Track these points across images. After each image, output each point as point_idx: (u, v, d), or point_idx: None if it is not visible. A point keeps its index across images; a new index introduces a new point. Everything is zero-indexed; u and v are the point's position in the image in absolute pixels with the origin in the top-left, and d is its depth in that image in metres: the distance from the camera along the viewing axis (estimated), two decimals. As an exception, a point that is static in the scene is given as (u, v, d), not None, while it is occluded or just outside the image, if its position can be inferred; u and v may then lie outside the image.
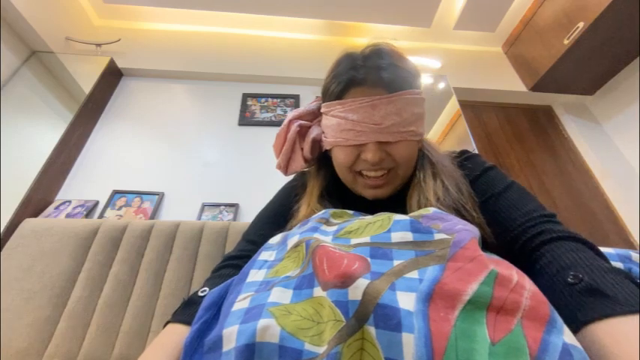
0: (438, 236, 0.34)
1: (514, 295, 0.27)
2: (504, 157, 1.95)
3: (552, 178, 1.91)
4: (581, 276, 0.33)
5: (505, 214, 0.46)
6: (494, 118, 2.10)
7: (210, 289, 0.43)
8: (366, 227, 0.39)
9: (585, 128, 2.02)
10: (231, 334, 0.28)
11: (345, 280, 0.29)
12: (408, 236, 0.35)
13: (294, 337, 0.27)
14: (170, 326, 0.40)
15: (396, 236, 0.35)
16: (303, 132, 0.57)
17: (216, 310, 0.35)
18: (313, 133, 0.56)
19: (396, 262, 0.32)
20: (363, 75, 0.47)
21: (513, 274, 0.30)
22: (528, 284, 0.29)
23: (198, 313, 0.35)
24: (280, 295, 0.31)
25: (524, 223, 0.43)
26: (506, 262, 0.33)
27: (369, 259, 0.33)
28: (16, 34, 1.51)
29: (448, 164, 0.54)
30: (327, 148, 0.54)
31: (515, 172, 1.89)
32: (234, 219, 1.37)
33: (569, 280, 0.34)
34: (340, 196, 0.56)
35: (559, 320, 0.27)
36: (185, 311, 0.41)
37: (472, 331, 0.25)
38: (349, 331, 0.26)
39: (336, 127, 0.49)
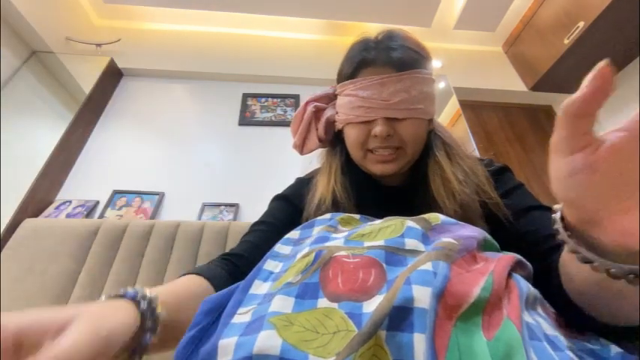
0: (446, 240, 0.35)
1: (502, 296, 0.29)
2: (504, 156, 1.95)
3: (552, 178, 1.91)
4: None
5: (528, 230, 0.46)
6: (494, 118, 2.10)
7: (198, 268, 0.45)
8: (379, 231, 0.38)
9: (585, 128, 2.02)
10: (228, 346, 0.27)
11: (360, 297, 0.29)
12: (420, 246, 0.35)
13: (297, 348, 0.26)
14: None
15: (410, 243, 0.35)
16: (318, 113, 0.61)
17: (217, 316, 0.33)
18: (327, 114, 0.59)
19: (410, 265, 0.32)
20: (374, 55, 0.51)
21: (504, 275, 0.31)
22: (511, 282, 0.31)
23: (196, 319, 0.33)
24: (281, 304, 0.30)
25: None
26: (502, 261, 0.33)
27: (384, 264, 0.32)
28: (17, 34, 1.51)
29: (460, 145, 0.57)
30: (340, 126, 0.56)
31: (515, 172, 1.88)
32: (235, 219, 1.37)
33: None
34: (357, 177, 0.57)
35: (522, 299, 0.29)
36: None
37: (470, 331, 0.26)
38: (361, 339, 0.25)
39: (348, 105, 0.52)
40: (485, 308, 0.28)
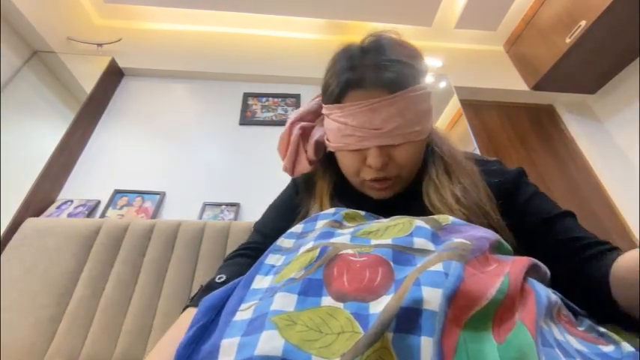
0: (457, 240, 0.34)
1: (515, 298, 0.28)
2: (506, 156, 1.94)
3: (554, 177, 1.90)
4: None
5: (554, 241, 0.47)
6: (495, 117, 2.09)
7: (226, 275, 0.44)
8: (386, 229, 0.37)
9: (587, 127, 2.02)
10: (230, 346, 0.27)
11: (367, 297, 0.28)
12: (430, 245, 0.34)
13: (300, 349, 0.25)
14: (189, 309, 0.41)
15: (419, 242, 0.34)
16: (305, 134, 0.57)
17: (215, 314, 0.33)
18: (316, 135, 0.55)
19: (419, 265, 0.31)
20: (361, 75, 0.45)
21: (520, 278, 0.30)
22: (525, 285, 0.30)
23: (195, 317, 0.33)
24: (284, 302, 0.29)
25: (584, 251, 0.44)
26: (518, 263, 0.32)
27: (391, 262, 0.31)
28: (18, 34, 1.52)
29: (462, 159, 0.53)
30: (331, 150, 0.53)
31: (516, 172, 1.88)
32: (236, 218, 1.37)
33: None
34: (350, 194, 0.55)
35: (543, 305, 0.29)
36: (203, 297, 0.41)
37: (479, 335, 0.26)
38: (367, 341, 0.25)
39: (337, 132, 0.48)
40: (497, 311, 0.27)
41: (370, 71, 0.44)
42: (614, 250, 0.42)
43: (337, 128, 0.48)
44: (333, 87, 0.47)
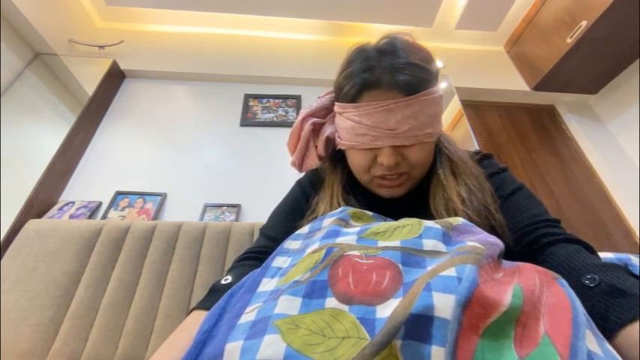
0: (471, 243, 0.33)
1: (537, 304, 0.27)
2: (507, 156, 1.94)
3: (555, 178, 1.90)
4: (596, 277, 0.34)
5: (510, 215, 0.47)
6: (496, 118, 2.09)
7: (232, 277, 0.44)
8: (394, 231, 0.36)
9: (588, 127, 2.01)
10: (234, 351, 0.26)
11: (373, 300, 0.27)
12: (440, 246, 0.33)
13: (302, 354, 0.24)
14: (194, 312, 0.40)
15: (428, 244, 0.33)
16: (316, 129, 0.57)
17: (215, 319, 0.32)
18: (327, 131, 0.56)
19: (429, 269, 0.29)
20: (378, 77, 0.45)
21: (535, 281, 0.29)
22: (548, 288, 0.29)
23: (202, 325, 0.33)
24: (287, 305, 0.29)
25: (527, 226, 0.44)
26: (528, 269, 0.32)
27: (400, 265, 0.30)
28: (20, 36, 1.53)
29: (468, 161, 0.54)
30: (342, 148, 0.53)
31: (517, 172, 1.88)
32: (237, 219, 1.37)
33: (585, 282, 0.34)
34: (360, 191, 0.55)
35: (582, 324, 0.25)
36: (209, 299, 0.41)
37: (499, 345, 0.24)
38: (374, 349, 0.24)
39: (351, 130, 0.48)
40: (519, 318, 0.26)
41: (387, 73, 0.45)
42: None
43: (351, 127, 0.48)
44: (348, 87, 0.47)
